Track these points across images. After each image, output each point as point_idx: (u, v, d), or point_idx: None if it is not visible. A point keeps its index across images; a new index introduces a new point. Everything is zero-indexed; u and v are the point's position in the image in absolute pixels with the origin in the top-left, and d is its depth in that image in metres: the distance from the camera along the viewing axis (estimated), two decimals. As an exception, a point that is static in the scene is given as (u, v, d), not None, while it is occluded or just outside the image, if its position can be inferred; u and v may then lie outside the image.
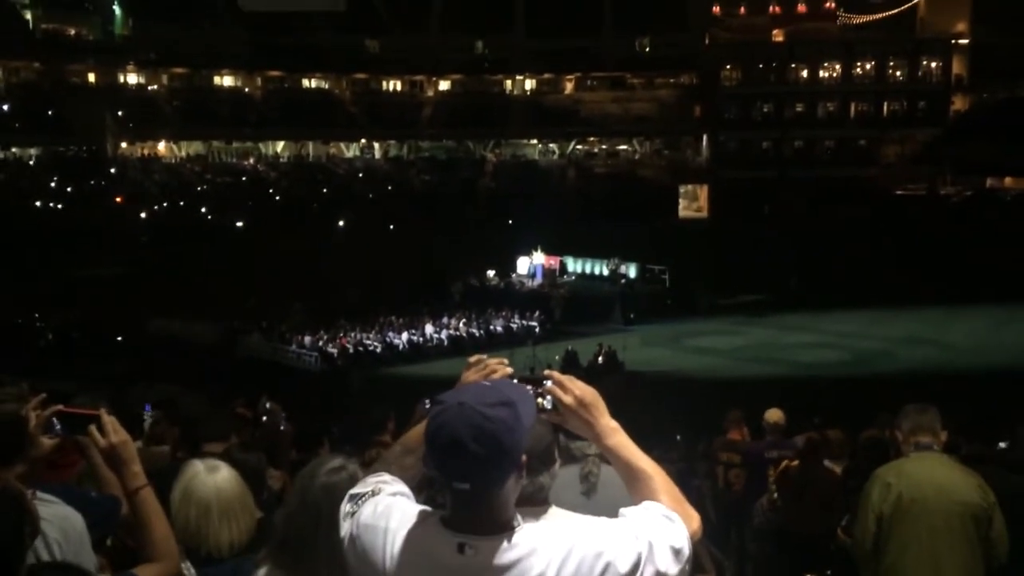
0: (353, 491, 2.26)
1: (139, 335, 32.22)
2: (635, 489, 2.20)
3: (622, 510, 2.12)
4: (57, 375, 19.22)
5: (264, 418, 11.20)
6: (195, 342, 32.71)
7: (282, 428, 10.42)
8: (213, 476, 3.44)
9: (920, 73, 73.19)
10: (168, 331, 33.63)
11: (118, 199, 57.27)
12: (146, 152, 68.44)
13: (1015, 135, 57.79)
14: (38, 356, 28.42)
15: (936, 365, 26.81)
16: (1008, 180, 62.45)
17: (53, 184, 57.91)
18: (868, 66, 73.93)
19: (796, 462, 7.96)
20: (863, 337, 32.56)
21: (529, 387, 2.16)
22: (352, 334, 32.71)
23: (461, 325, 34.27)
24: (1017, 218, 51.35)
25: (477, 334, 33.67)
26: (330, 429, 9.38)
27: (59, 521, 3.21)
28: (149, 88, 70.03)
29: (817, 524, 7.42)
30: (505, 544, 1.99)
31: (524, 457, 2.01)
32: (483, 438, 1.93)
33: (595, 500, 3.21)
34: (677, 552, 2.06)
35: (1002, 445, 8.14)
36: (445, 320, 34.55)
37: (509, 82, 77.96)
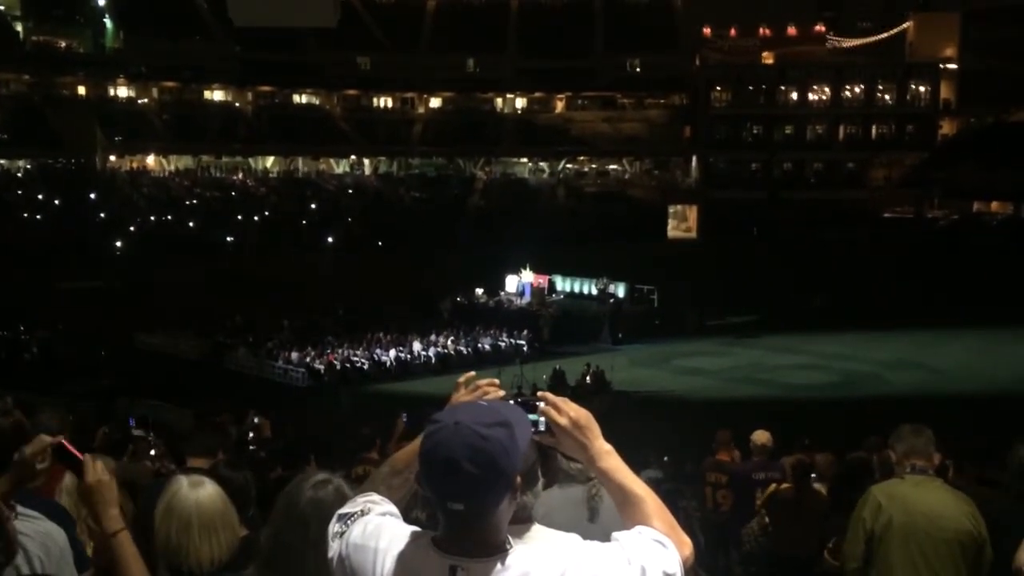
0: (342, 511, 2.23)
1: (125, 349, 32.07)
2: (627, 513, 2.17)
3: (615, 534, 2.09)
4: (41, 389, 19.09)
5: (251, 434, 11.14)
6: (181, 357, 32.59)
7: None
8: (195, 491, 3.41)
9: (908, 97, 73.80)
10: (154, 345, 33.51)
11: (105, 212, 57.16)
12: (135, 165, 68.38)
13: (1002, 160, 58.22)
14: (22, 370, 28.25)
15: (923, 388, 26.86)
16: (995, 204, 62.88)
17: (41, 197, 57.78)
18: (857, 89, 74.51)
19: (786, 485, 7.94)
20: (851, 359, 32.60)
21: (523, 408, 2.14)
22: (339, 350, 32.61)
23: (449, 343, 34.21)
24: (1003, 242, 51.70)
25: (465, 352, 33.60)
26: (316, 445, 9.33)
27: (41, 537, 3.19)
28: (139, 101, 70.03)
29: (807, 548, 7.40)
30: (498, 567, 1.96)
31: (519, 479, 1.98)
32: (479, 458, 1.90)
33: (598, 524, 3.18)
34: (669, 574, 2.03)
35: (991, 471, 8.13)
36: (433, 337, 34.48)
37: (500, 100, 78.25)
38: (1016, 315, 34.23)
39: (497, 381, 2.32)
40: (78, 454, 2.97)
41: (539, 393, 2.24)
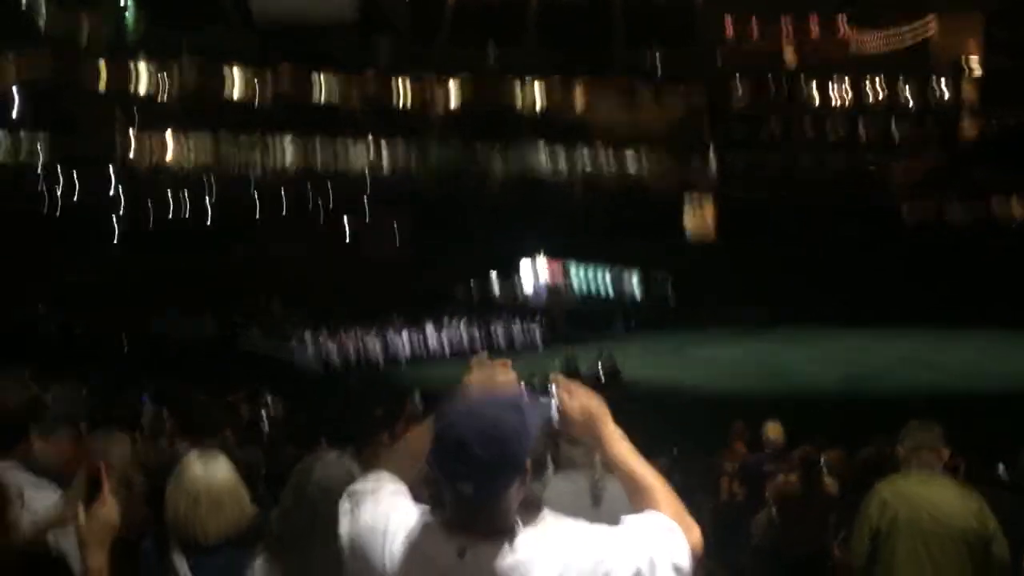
0: (352, 488, 2.25)
1: (139, 330, 32.21)
2: (637, 499, 2.18)
3: (623, 518, 2.11)
4: (57, 365, 19.21)
5: (264, 413, 11.22)
6: (194, 336, 32.73)
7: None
8: (206, 466, 3.46)
9: (930, 97, 73.21)
10: (169, 327, 33.67)
11: (124, 197, 57.32)
12: (154, 150, 68.49)
13: (1023, 161, 57.79)
14: (40, 345, 28.42)
15: (935, 387, 26.73)
16: (1016, 206, 62.43)
17: (59, 183, 57.95)
18: (878, 88, 73.98)
19: (794, 478, 7.95)
20: (863, 356, 32.49)
21: (535, 393, 2.15)
22: (353, 333, 32.70)
23: (462, 328, 34.26)
24: (1022, 244, 51.36)
25: (478, 339, 33.66)
26: (328, 426, 9.38)
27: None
28: (159, 87, 70.06)
29: (815, 542, 7.40)
30: (506, 549, 1.98)
31: (528, 463, 1.99)
32: (490, 442, 1.91)
33: (601, 510, 3.20)
34: (677, 564, 2.04)
35: (1001, 468, 8.12)
36: (446, 322, 34.54)
37: (518, 91, 78.01)
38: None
39: (509, 363, 2.34)
40: (105, 484, 2.94)
41: (551, 377, 2.26)
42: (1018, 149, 60.27)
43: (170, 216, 54.66)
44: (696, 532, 2.13)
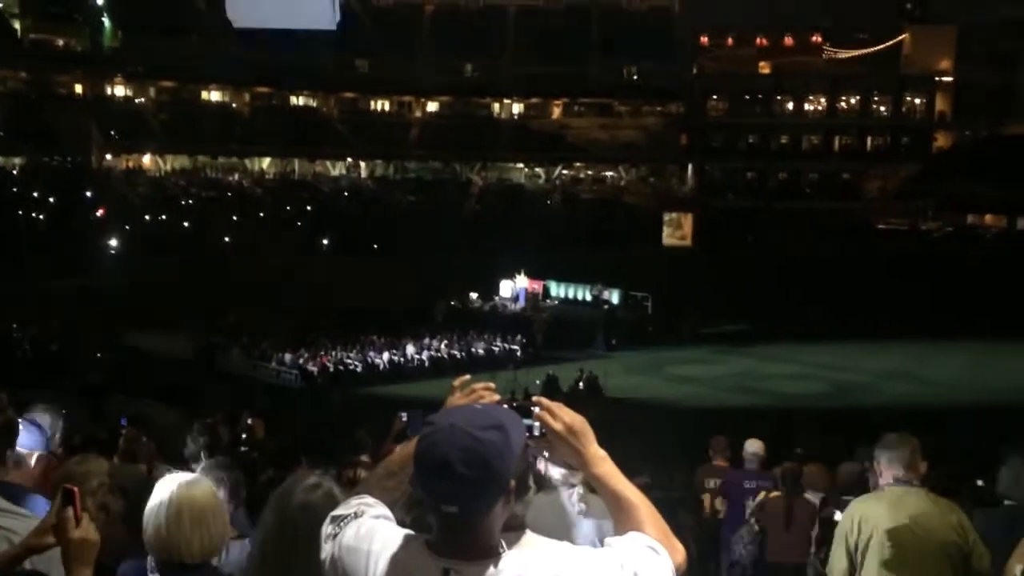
0: (335, 513, 2.23)
1: (117, 348, 31.99)
2: (621, 519, 2.17)
3: (607, 539, 2.10)
4: (33, 386, 19.04)
5: (244, 435, 11.13)
6: (173, 357, 32.52)
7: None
8: (188, 486, 3.43)
9: (904, 109, 74.03)
10: (146, 345, 33.44)
11: (101, 211, 57.05)
12: (131, 164, 68.31)
13: (996, 173, 58.37)
14: (14, 367, 28.14)
15: (916, 399, 26.90)
16: (989, 217, 63.03)
17: (36, 195, 57.66)
18: (853, 100, 74.73)
19: (776, 494, 7.96)
20: (843, 369, 32.64)
21: (518, 413, 2.14)
22: (333, 352, 32.58)
23: (443, 347, 34.20)
24: (997, 255, 51.82)
25: (458, 356, 33.59)
26: (308, 447, 9.32)
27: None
28: (136, 100, 69.96)
29: (796, 556, 7.41)
30: (491, 570, 1.97)
31: (512, 483, 1.98)
32: (473, 461, 1.90)
33: (582, 531, 3.19)
34: (662, 583, 2.03)
35: (979, 483, 8.14)
36: (427, 341, 34.47)
37: (497, 105, 78.30)
38: (1009, 328, 34.33)
39: (493, 385, 2.33)
40: (79, 508, 2.94)
41: (534, 398, 2.25)
42: (991, 160, 60.94)
43: (147, 231, 54.40)
44: (681, 553, 2.13)
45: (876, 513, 4.74)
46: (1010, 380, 29.70)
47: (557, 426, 2.19)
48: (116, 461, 7.25)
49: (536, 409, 2.20)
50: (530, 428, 2.16)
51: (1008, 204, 59.21)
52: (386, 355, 33.17)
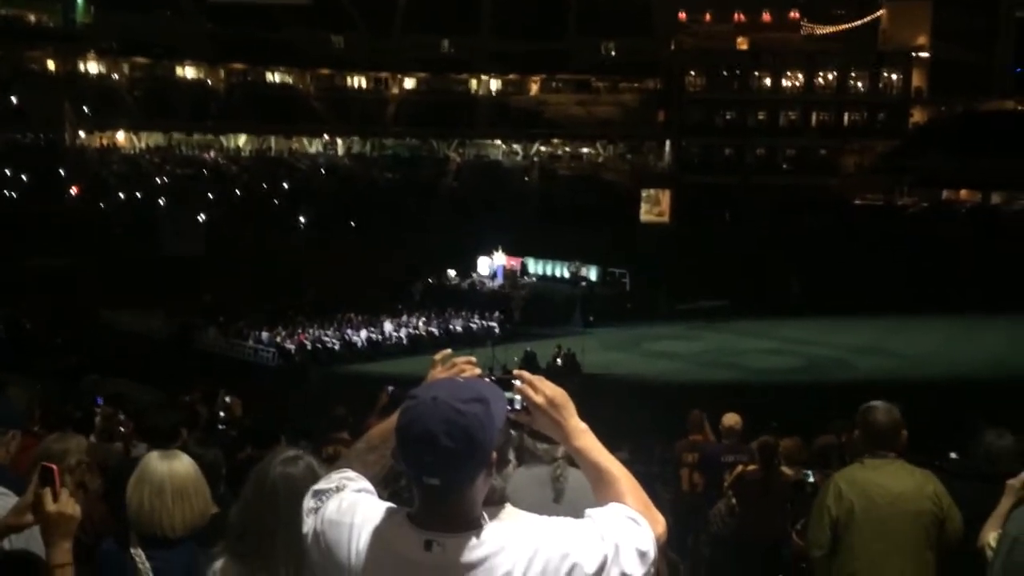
0: (317, 487, 2.24)
1: (92, 327, 31.78)
2: (601, 491, 2.19)
3: (588, 511, 2.11)
4: (8, 366, 18.90)
5: (222, 413, 11.10)
6: (149, 336, 32.35)
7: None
8: (169, 461, 3.45)
9: (881, 85, 74.23)
10: (122, 324, 33.24)
11: (74, 189, 56.50)
12: (105, 142, 67.61)
13: (972, 148, 58.73)
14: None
15: (890, 374, 27.16)
16: (964, 192, 63.46)
17: (8, 173, 57.02)
18: (830, 76, 74.86)
19: (752, 467, 8.02)
20: (819, 345, 32.92)
21: (499, 385, 2.15)
22: (310, 330, 32.51)
23: (421, 324, 34.20)
24: (971, 230, 52.25)
25: (436, 333, 33.60)
26: (287, 425, 9.31)
27: (10, 512, 3.19)
28: (110, 77, 69.15)
29: (774, 530, 7.48)
30: (473, 541, 1.98)
31: (494, 455, 1.99)
32: (455, 433, 1.91)
33: (563, 504, 3.21)
34: (643, 554, 2.05)
35: (953, 456, 8.23)
36: (405, 319, 34.47)
37: (474, 82, 77.92)
38: (982, 303, 34.70)
39: (474, 359, 2.34)
40: (58, 483, 2.94)
41: (515, 371, 2.25)
42: (967, 135, 61.31)
43: (121, 209, 53.94)
44: (661, 523, 2.15)
45: (855, 487, 4.79)
46: (983, 354, 30.09)
47: (538, 399, 2.19)
48: (93, 440, 7.22)
49: (517, 382, 2.21)
50: (511, 401, 2.16)
51: (983, 180, 59.63)
52: (364, 333, 33.13)
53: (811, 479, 7.71)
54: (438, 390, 1.99)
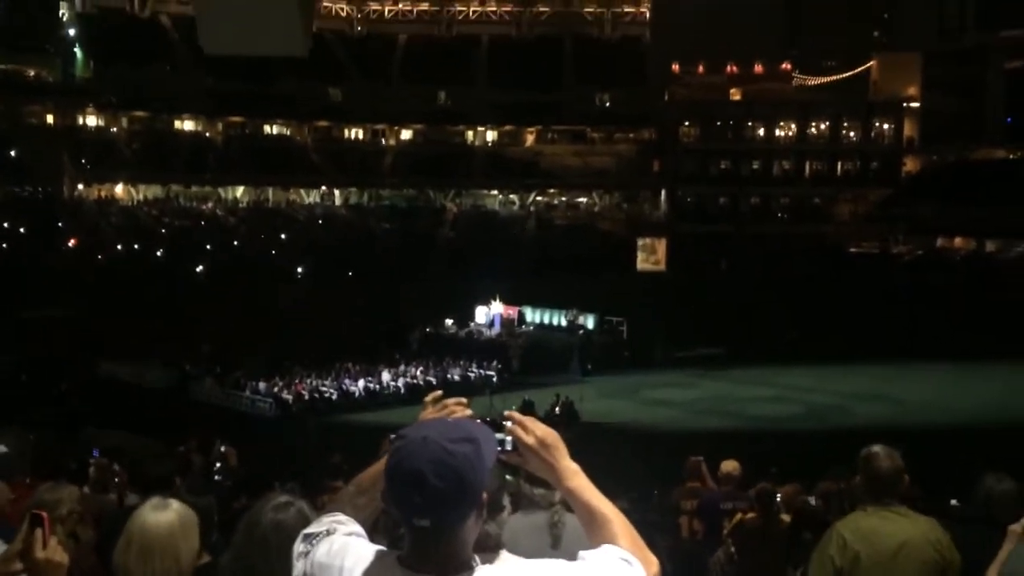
0: (307, 531, 2.22)
1: (90, 378, 31.68)
2: (594, 532, 2.17)
3: (581, 553, 2.09)
4: (4, 416, 18.81)
5: (218, 464, 11.03)
6: (146, 386, 32.23)
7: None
8: (158, 513, 3.40)
9: (873, 134, 74.91)
10: (119, 375, 33.14)
11: (73, 241, 56.62)
12: (103, 194, 67.90)
13: (964, 196, 59.09)
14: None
15: (889, 420, 27.05)
16: (958, 240, 63.72)
17: (7, 225, 57.18)
18: (822, 126, 75.55)
19: (752, 515, 7.96)
20: (817, 392, 32.82)
21: (490, 427, 2.14)
22: (308, 380, 32.41)
23: (418, 373, 34.11)
24: (966, 277, 52.37)
25: (434, 382, 33.44)
26: (282, 474, 9.25)
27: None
28: (109, 130, 69.67)
29: (773, 576, 7.40)
30: None
31: (485, 495, 1.98)
32: (445, 473, 1.89)
33: (561, 550, 3.18)
34: (637, 596, 2.03)
35: (953, 502, 8.18)
36: (402, 368, 34.38)
37: (470, 133, 78.56)
38: (979, 349, 34.67)
39: (465, 400, 2.33)
40: (48, 531, 2.90)
41: (506, 412, 2.25)
42: (959, 184, 61.71)
43: (119, 260, 53.99)
44: (654, 564, 2.13)
45: (858, 536, 4.69)
46: (979, 401, 30.01)
47: (529, 439, 2.18)
48: (87, 491, 7.17)
49: (508, 423, 2.20)
50: (502, 442, 2.15)
51: (976, 227, 59.89)
52: (361, 382, 33.03)
53: (812, 503, 7.64)
54: (428, 430, 1.98)
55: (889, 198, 68.50)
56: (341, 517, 2.24)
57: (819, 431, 26.06)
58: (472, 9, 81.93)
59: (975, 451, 16.53)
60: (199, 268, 51.72)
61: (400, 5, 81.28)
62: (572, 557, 2.11)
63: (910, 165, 74.13)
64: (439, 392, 2.40)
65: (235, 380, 32.60)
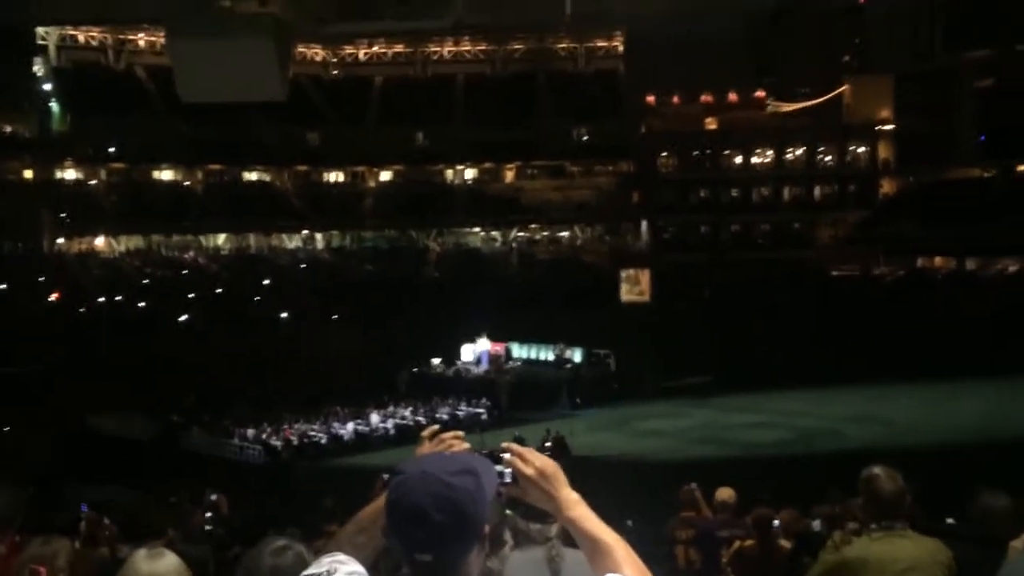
0: (307, 572, 2.19)
1: (76, 432, 31.39)
2: (597, 561, 2.16)
3: (586, 583, 2.08)
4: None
5: (209, 513, 10.92)
6: (133, 438, 31.96)
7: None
8: (152, 562, 3.35)
9: (848, 158, 75.52)
10: (106, 427, 32.86)
11: (55, 295, 56.27)
12: (84, 247, 67.67)
13: (943, 216, 59.56)
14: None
15: (881, 442, 27.07)
16: (938, 259, 64.13)
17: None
18: (799, 152, 76.13)
19: (750, 542, 7.93)
20: (806, 416, 32.85)
21: (489, 459, 2.13)
22: (296, 425, 32.21)
23: (407, 414, 33.98)
24: (948, 297, 52.66)
25: (424, 422, 33.31)
26: (275, 521, 9.16)
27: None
28: (88, 183, 69.56)
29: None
30: None
31: (487, 528, 1.96)
32: (446, 507, 1.88)
33: None
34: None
35: (949, 520, 8.17)
36: (391, 409, 34.25)
37: (450, 172, 78.83)
38: (963, 367, 34.81)
39: (462, 434, 2.32)
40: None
41: (504, 444, 2.24)
42: (937, 204, 62.20)
43: (102, 313, 53.66)
44: (659, 592, 2.12)
45: (865, 561, 4.65)
46: (969, 418, 30.11)
47: (528, 471, 2.17)
48: (78, 546, 7.08)
49: (506, 455, 2.19)
50: (501, 474, 2.14)
51: (955, 246, 60.33)
52: (350, 425, 32.85)
53: (818, 528, 7.61)
54: (427, 464, 1.96)
55: (867, 220, 68.96)
56: (341, 557, 2.22)
57: (812, 455, 26.06)
58: (446, 49, 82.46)
59: (966, 469, 16.56)
60: (183, 317, 51.37)
61: (375, 48, 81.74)
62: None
63: (887, 187, 74.70)
64: (436, 427, 2.40)
65: (223, 428, 32.38)
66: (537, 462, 2.19)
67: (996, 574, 4.38)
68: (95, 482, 19.27)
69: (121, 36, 73.21)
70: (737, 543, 8.10)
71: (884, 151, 74.74)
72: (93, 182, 69.78)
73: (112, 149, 68.02)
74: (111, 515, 9.14)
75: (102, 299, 56.89)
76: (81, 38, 72.92)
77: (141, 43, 73.25)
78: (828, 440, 28.90)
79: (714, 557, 8.49)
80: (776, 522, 8.35)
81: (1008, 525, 5.15)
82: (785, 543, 8.00)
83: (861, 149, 75.52)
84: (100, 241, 68.95)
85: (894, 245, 63.82)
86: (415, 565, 1.93)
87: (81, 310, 54.16)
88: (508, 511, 2.19)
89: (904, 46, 72.12)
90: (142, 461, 26.80)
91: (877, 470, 4.77)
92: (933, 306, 48.85)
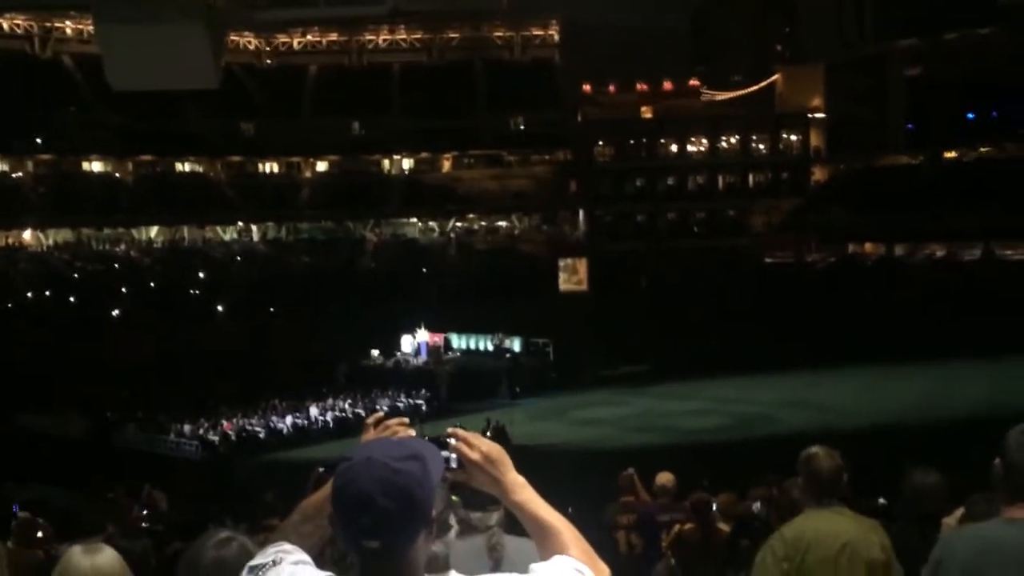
0: (252, 563, 2.17)
1: (6, 431, 30.63)
2: (544, 544, 2.16)
3: (532, 566, 2.08)
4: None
5: (146, 510, 10.74)
6: (67, 437, 31.29)
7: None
8: (91, 557, 3.27)
9: (781, 146, 76.67)
10: (38, 426, 32.12)
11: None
12: (11, 241, 66.01)
13: (872, 203, 60.77)
14: None
15: (814, 426, 27.52)
16: (868, 246, 65.41)
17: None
18: (733, 140, 77.08)
19: (689, 526, 8.02)
20: (742, 402, 33.31)
21: (434, 444, 2.12)
22: (234, 420, 31.82)
23: (347, 406, 33.76)
24: (877, 282, 53.79)
25: (363, 415, 33.10)
26: (216, 517, 9.05)
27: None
28: (13, 175, 67.80)
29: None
30: None
31: (434, 514, 1.96)
32: (393, 492, 1.86)
33: (503, 572, 3.17)
34: (590, 604, 2.03)
35: (882, 501, 8.35)
36: (330, 402, 34.00)
37: (386, 162, 78.36)
38: (894, 351, 35.61)
39: (407, 420, 2.32)
40: None
41: (449, 429, 2.24)
42: (867, 191, 63.44)
43: (31, 308, 52.45)
44: (606, 572, 2.13)
45: (804, 538, 4.70)
46: (898, 402, 30.81)
47: (474, 455, 2.18)
48: (11, 546, 6.93)
49: (452, 440, 2.19)
50: (447, 459, 2.14)
51: (885, 232, 61.58)
52: (289, 419, 32.56)
53: (756, 510, 7.71)
54: (372, 450, 1.94)
55: (800, 207, 70.11)
56: (286, 546, 2.19)
57: (748, 440, 26.44)
58: (382, 38, 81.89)
59: (897, 450, 16.96)
60: (115, 312, 50.43)
61: (309, 36, 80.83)
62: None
63: (819, 174, 76.01)
64: (381, 413, 2.38)
65: (158, 424, 31.88)
66: (483, 447, 2.19)
67: (931, 551, 4.49)
68: (28, 482, 18.84)
69: (47, 24, 71.32)
70: (677, 527, 8.17)
71: (816, 139, 76.01)
72: (19, 174, 68.02)
73: (39, 140, 66.26)
74: (46, 515, 8.95)
75: (30, 294, 55.65)
76: (5, 26, 70.86)
77: (68, 31, 71.44)
78: (763, 425, 29.36)
79: (655, 542, 8.56)
80: (714, 506, 8.45)
81: (940, 502, 5.25)
82: (724, 526, 8.10)
83: (793, 137, 76.72)
84: (27, 235, 67.29)
85: (825, 232, 64.98)
86: (362, 552, 1.91)
87: (8, 305, 52.88)
88: (454, 496, 2.18)
89: (834, 35, 73.41)
90: (76, 460, 26.28)
91: (816, 449, 4.83)
92: (863, 292, 49.83)
